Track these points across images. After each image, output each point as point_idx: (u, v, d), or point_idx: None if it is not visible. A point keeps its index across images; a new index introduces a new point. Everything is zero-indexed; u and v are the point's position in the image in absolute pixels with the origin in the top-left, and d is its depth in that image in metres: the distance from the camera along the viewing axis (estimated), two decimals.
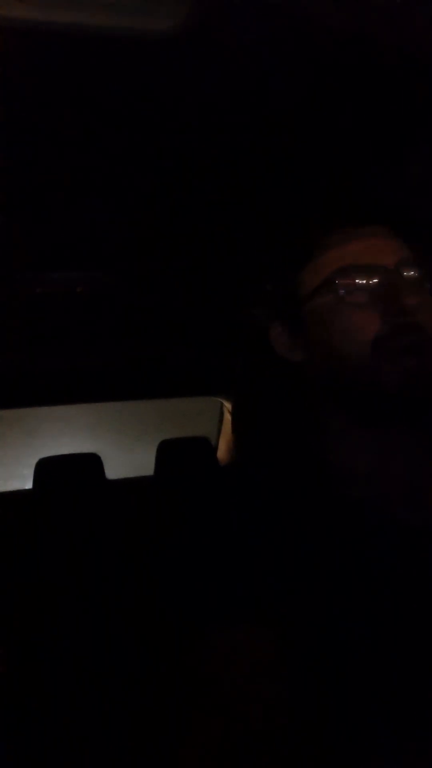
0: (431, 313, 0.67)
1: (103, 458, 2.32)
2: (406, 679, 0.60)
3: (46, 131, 0.93)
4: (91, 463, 2.29)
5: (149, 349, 2.11)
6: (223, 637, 0.60)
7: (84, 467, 2.28)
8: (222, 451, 2.65)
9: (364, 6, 0.70)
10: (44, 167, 1.03)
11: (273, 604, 0.61)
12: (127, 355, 2.11)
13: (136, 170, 1.06)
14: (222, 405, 2.64)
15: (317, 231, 0.73)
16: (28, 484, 2.28)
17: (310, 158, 1.01)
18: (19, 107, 0.86)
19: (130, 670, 1.84)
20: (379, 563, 0.64)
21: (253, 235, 1.24)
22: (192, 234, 1.35)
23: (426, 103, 0.89)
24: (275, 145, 1.00)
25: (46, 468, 2.24)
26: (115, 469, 2.44)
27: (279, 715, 0.58)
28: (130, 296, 1.74)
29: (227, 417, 2.62)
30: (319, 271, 0.70)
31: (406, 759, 0.58)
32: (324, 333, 0.69)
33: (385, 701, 0.59)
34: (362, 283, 0.67)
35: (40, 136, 0.94)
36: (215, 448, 2.64)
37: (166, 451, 2.37)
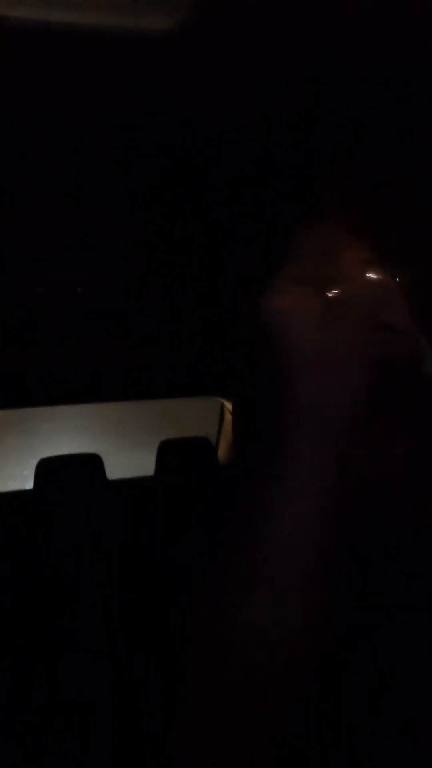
0: (406, 318, 0.68)
1: (103, 458, 2.32)
2: (406, 678, 0.60)
3: (46, 131, 0.93)
4: (92, 463, 2.29)
5: (149, 349, 2.11)
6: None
7: (85, 467, 2.28)
8: (222, 452, 2.65)
9: (365, 4, 0.70)
10: (44, 167, 1.04)
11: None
12: (127, 355, 2.11)
13: (135, 170, 1.06)
14: (222, 405, 2.64)
15: (298, 240, 0.73)
16: (29, 484, 2.28)
17: (311, 156, 1.01)
18: (19, 107, 0.86)
19: (130, 670, 1.84)
20: (377, 562, 0.64)
21: (253, 235, 1.24)
22: (192, 234, 1.35)
23: (427, 101, 0.89)
24: (277, 144, 1.00)
25: (46, 468, 2.24)
26: (115, 470, 2.44)
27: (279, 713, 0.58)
28: (130, 296, 1.75)
29: (228, 417, 2.62)
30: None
31: (407, 759, 0.58)
32: None
33: (385, 700, 0.59)
34: (337, 293, 0.68)
35: (41, 136, 0.94)
36: (216, 449, 2.64)
37: (167, 452, 2.38)
